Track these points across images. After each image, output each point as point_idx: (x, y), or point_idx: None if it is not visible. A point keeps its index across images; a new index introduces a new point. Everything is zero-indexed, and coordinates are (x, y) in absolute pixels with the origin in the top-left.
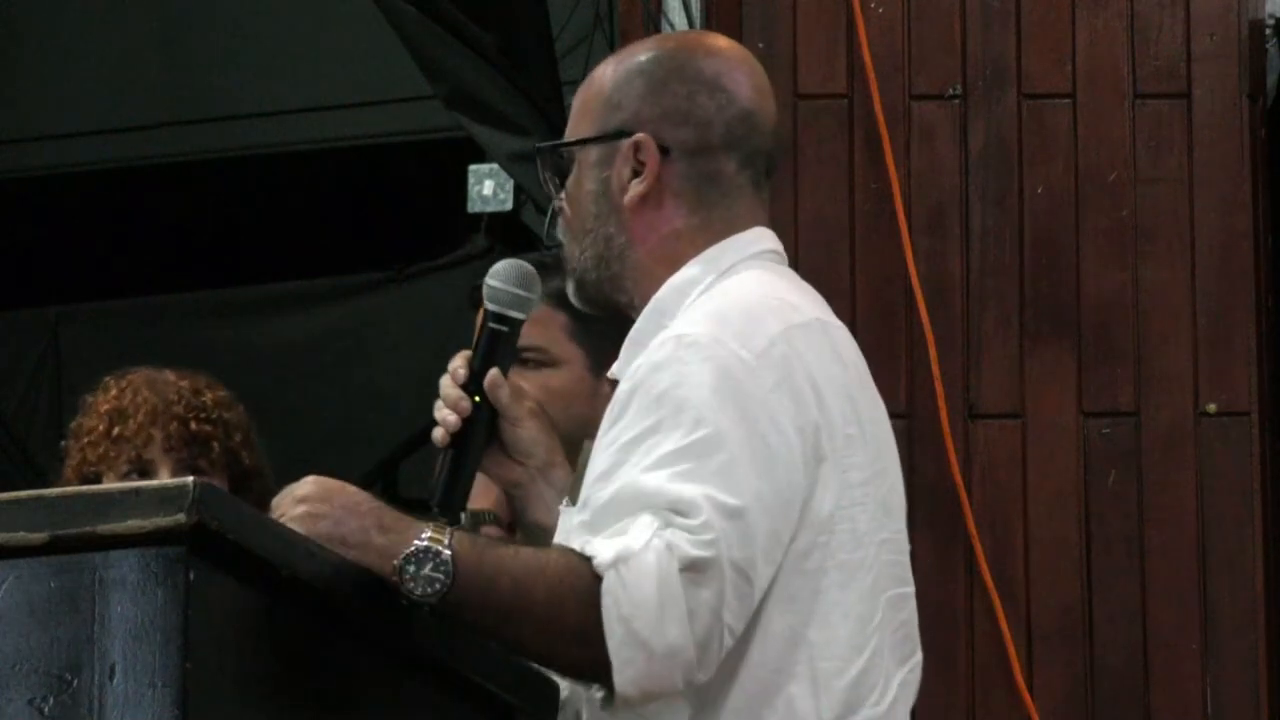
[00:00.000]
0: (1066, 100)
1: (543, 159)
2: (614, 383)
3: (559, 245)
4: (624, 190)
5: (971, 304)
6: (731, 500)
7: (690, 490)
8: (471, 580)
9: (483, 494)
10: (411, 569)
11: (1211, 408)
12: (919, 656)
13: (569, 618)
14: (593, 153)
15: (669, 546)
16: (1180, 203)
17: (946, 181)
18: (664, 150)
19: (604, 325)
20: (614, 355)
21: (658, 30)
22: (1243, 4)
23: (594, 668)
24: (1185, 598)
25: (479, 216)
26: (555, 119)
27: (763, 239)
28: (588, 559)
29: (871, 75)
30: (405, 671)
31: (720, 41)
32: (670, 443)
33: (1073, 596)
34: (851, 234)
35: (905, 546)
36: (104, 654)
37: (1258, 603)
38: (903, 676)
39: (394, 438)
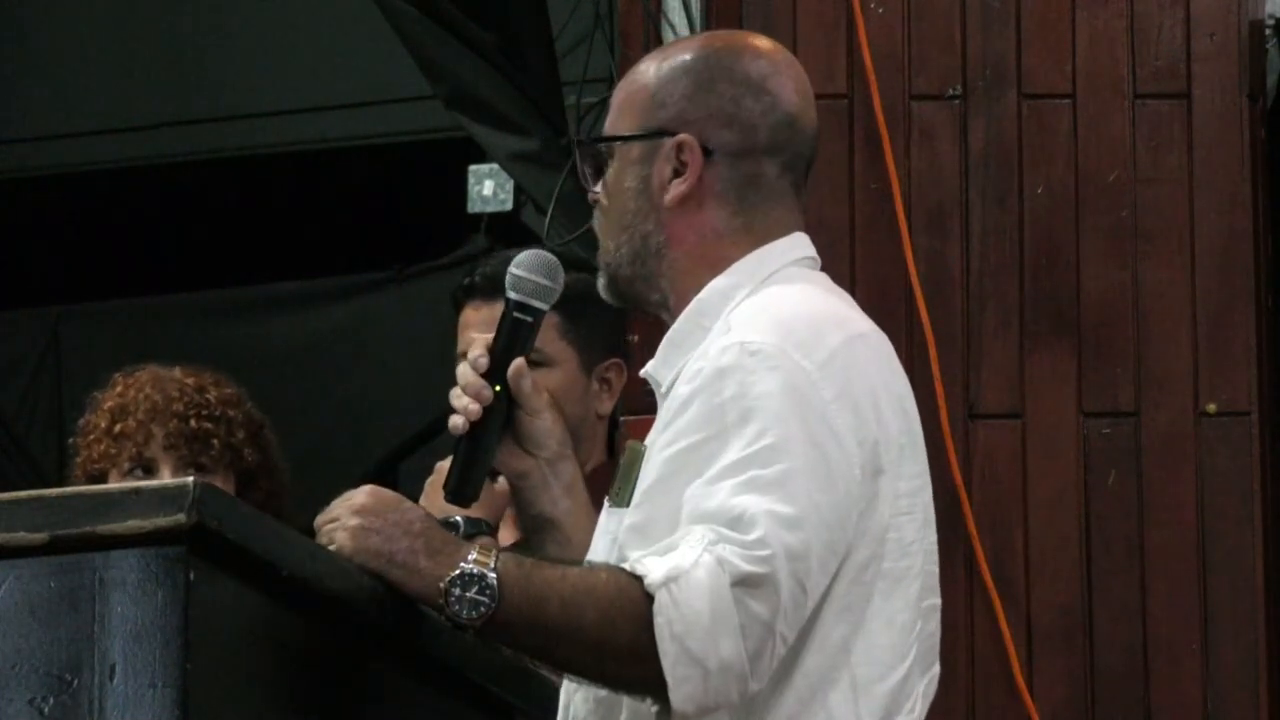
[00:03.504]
0: (1066, 100)
1: (581, 152)
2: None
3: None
4: (664, 189)
5: (971, 304)
6: (790, 510)
7: (749, 502)
8: (518, 603)
9: (480, 503)
10: (456, 592)
11: (1211, 408)
12: (938, 669)
13: (621, 638)
14: (634, 150)
15: (720, 562)
16: (1180, 203)
17: (946, 181)
18: (707, 152)
19: (592, 326)
20: (601, 355)
21: (657, 30)
22: (1243, 4)
23: (648, 685)
24: (1185, 598)
25: (479, 216)
26: (555, 119)
27: (800, 245)
28: (638, 578)
29: (871, 75)
30: (405, 671)
31: (766, 43)
32: (733, 452)
33: (1073, 596)
34: (851, 234)
35: (937, 557)
36: (104, 654)
37: (1258, 603)
38: (923, 688)
39: (394, 437)
